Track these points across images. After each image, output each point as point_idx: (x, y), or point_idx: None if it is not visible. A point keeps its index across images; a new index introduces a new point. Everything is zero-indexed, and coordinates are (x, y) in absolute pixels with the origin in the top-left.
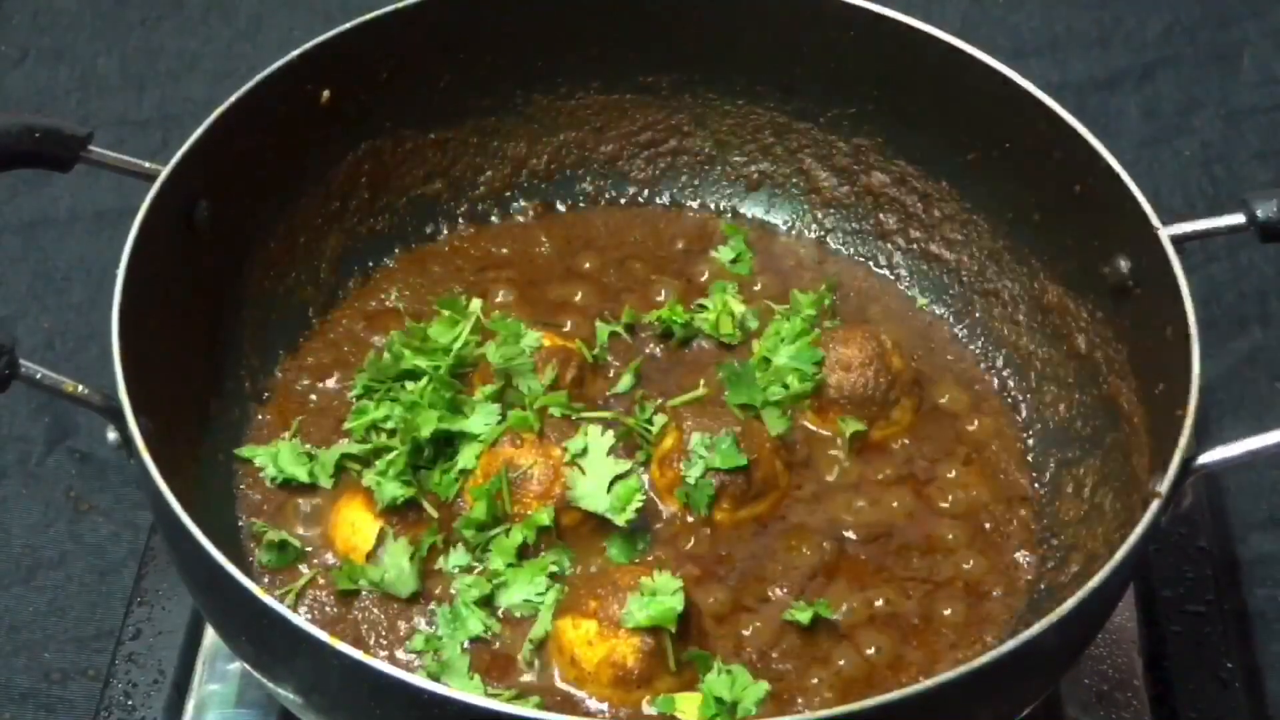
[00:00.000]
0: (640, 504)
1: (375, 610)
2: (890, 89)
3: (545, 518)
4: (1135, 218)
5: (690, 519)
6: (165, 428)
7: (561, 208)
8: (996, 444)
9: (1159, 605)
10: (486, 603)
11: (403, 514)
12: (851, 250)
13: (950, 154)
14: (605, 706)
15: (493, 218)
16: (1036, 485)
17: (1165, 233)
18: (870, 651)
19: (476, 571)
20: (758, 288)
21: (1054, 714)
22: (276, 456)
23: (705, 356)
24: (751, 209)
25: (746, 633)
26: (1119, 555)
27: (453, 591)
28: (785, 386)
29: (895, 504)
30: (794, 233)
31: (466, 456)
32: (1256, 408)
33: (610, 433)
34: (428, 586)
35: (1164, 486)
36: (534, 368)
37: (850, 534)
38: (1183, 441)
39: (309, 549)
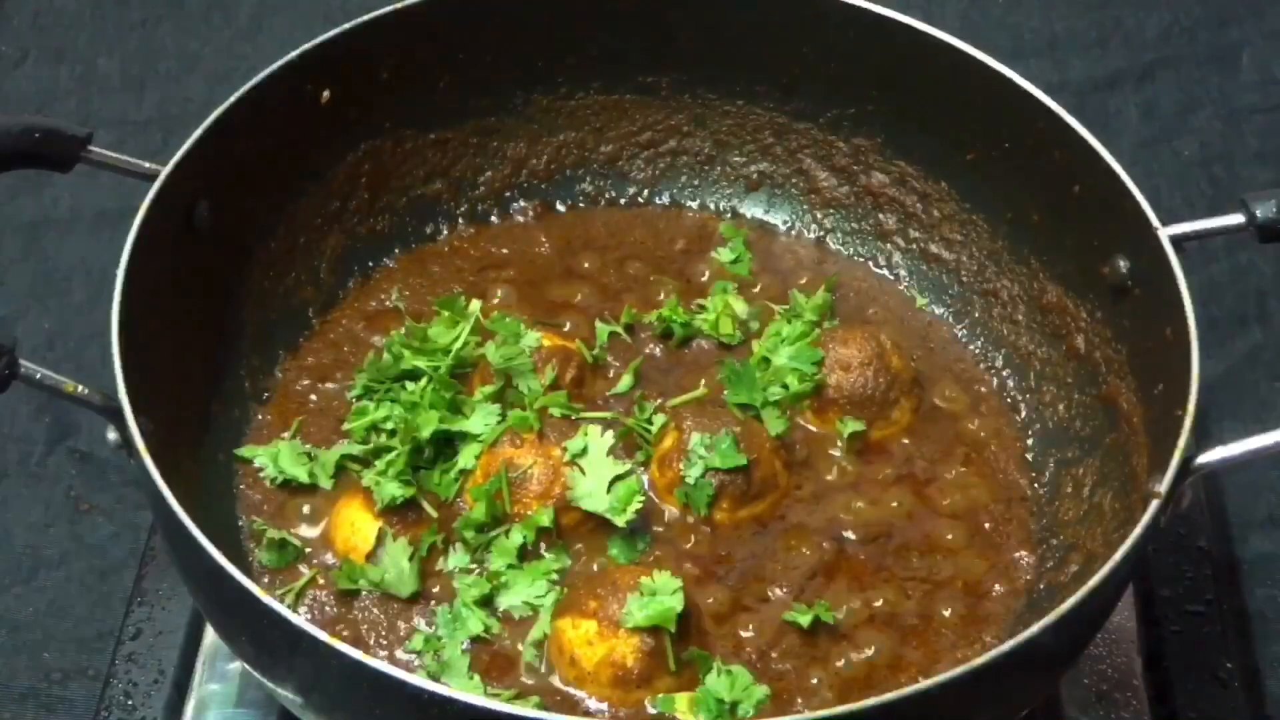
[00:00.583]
0: (640, 504)
1: (375, 610)
2: (890, 89)
3: (545, 519)
4: (1135, 218)
5: (690, 519)
6: (165, 428)
7: (561, 208)
8: (996, 444)
9: (1158, 605)
10: (486, 603)
11: (402, 514)
12: (851, 250)
13: (950, 154)
14: (605, 706)
15: (493, 218)
16: (1036, 485)
17: (1165, 233)
18: (870, 652)
19: (476, 572)
20: (757, 288)
21: (1054, 714)
22: (276, 457)
23: (705, 357)
24: (751, 209)
25: (746, 633)
26: (1118, 555)
27: (455, 588)
28: (785, 387)
29: (895, 504)
30: (794, 233)
31: (466, 457)
32: (1256, 408)
33: (610, 433)
34: (427, 587)
35: (1163, 486)
36: (534, 368)
37: (850, 534)
38: (1182, 441)
39: (309, 549)
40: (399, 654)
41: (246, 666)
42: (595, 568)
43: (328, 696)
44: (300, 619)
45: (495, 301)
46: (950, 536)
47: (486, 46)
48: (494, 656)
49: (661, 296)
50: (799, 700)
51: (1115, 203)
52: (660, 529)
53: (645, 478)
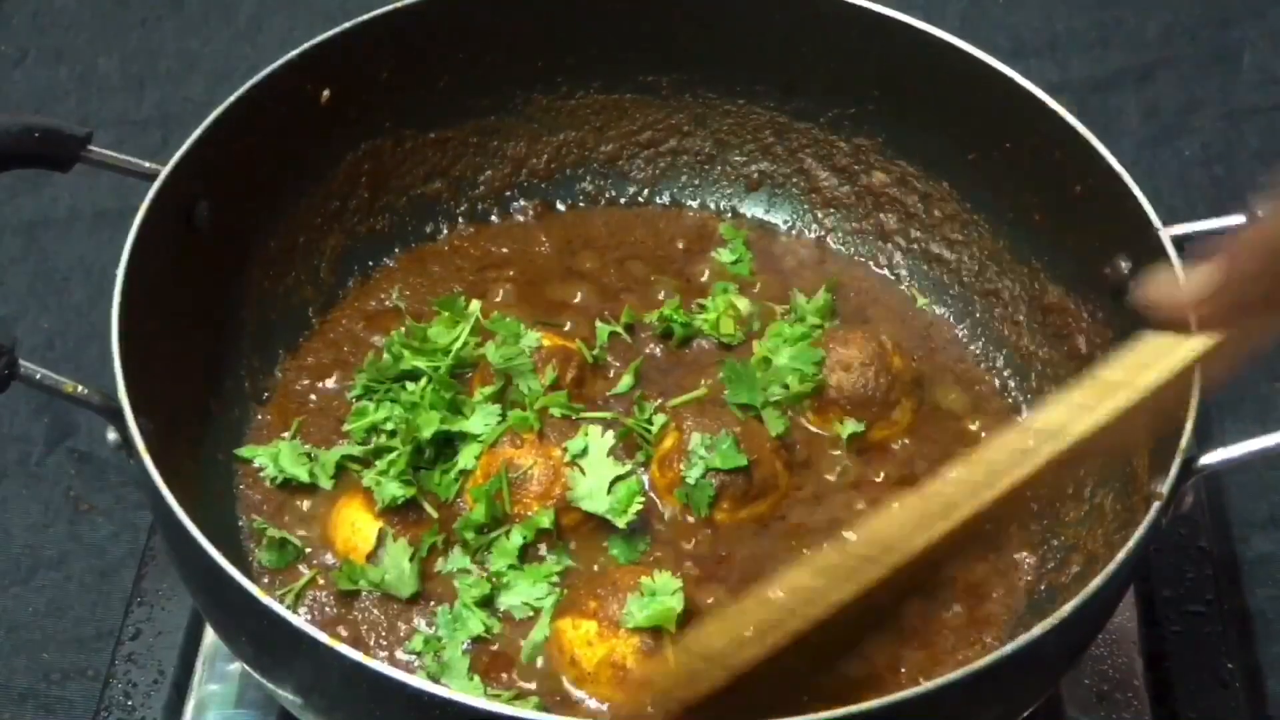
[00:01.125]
0: (640, 505)
1: (375, 611)
2: (890, 89)
3: (545, 520)
4: (1136, 218)
5: (690, 519)
6: (165, 428)
7: (561, 207)
8: None
9: (1159, 605)
10: (487, 603)
11: (403, 514)
12: (851, 250)
13: (950, 154)
14: (605, 707)
15: (493, 217)
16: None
17: (1166, 233)
18: (870, 652)
19: (476, 573)
20: (757, 289)
21: (1054, 714)
22: (277, 457)
23: (705, 356)
24: (751, 209)
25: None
26: (1119, 556)
27: (455, 588)
28: (785, 387)
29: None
30: (794, 233)
31: (466, 457)
32: (1256, 408)
33: (610, 433)
34: (428, 587)
35: (1164, 487)
36: (534, 368)
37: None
38: (1183, 442)
39: (309, 549)
40: (399, 654)
41: (246, 667)
42: (595, 568)
43: (327, 697)
44: (300, 619)
45: (496, 301)
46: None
47: (486, 46)
48: (494, 657)
49: (661, 296)
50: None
51: (1116, 203)
52: (661, 529)
53: (645, 478)
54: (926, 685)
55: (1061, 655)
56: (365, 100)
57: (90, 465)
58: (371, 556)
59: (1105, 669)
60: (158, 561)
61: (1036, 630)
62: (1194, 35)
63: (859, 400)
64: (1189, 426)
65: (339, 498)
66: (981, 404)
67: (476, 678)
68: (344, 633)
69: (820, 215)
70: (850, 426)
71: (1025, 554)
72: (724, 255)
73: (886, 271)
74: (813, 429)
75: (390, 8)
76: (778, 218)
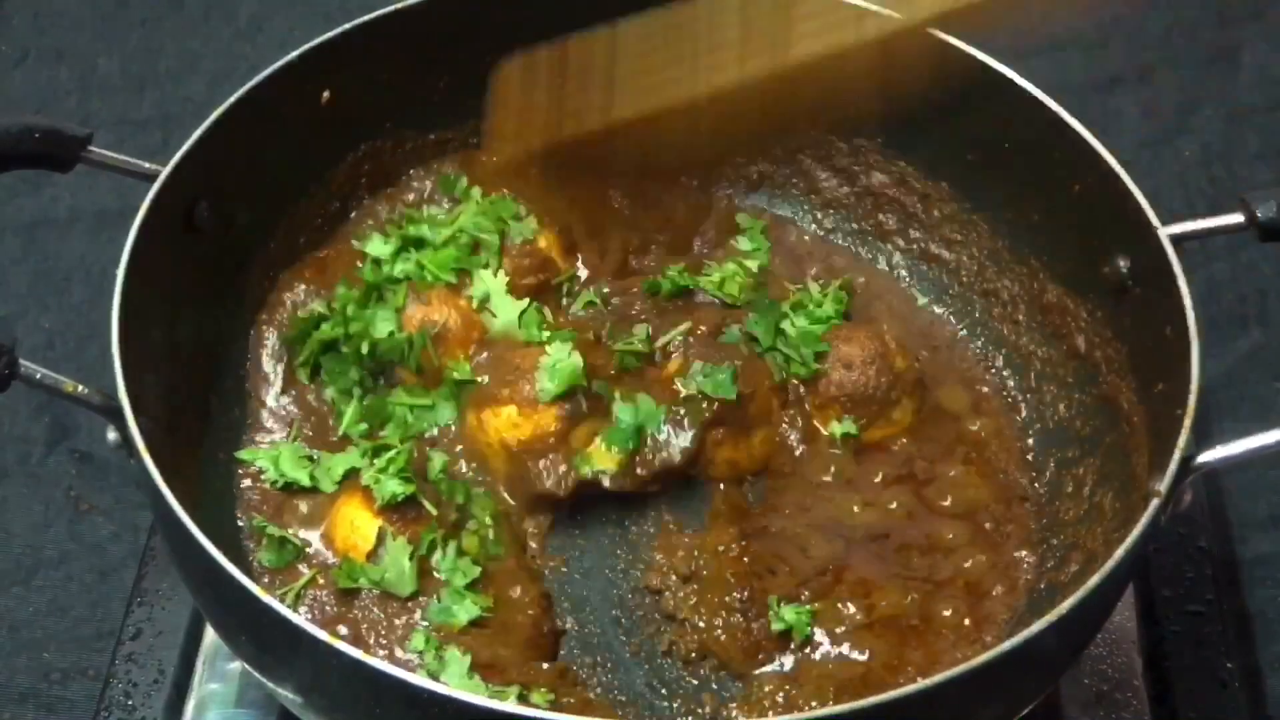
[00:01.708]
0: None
1: (375, 609)
2: (890, 90)
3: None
4: (1135, 217)
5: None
6: (165, 428)
7: None
8: (996, 444)
9: (1159, 605)
10: (474, 586)
11: (402, 511)
12: (852, 250)
13: (950, 154)
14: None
15: None
16: (1036, 485)
17: (1165, 232)
18: (868, 652)
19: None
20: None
21: (1054, 714)
22: (277, 460)
23: (694, 305)
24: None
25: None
26: (1118, 554)
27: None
28: (786, 360)
29: (895, 504)
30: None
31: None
32: (1256, 408)
33: (502, 273)
34: (427, 584)
35: (1163, 486)
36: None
37: (850, 533)
38: (1182, 441)
39: (309, 548)
40: (399, 653)
41: (246, 666)
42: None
43: (328, 696)
44: (300, 618)
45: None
46: (951, 536)
47: (486, 46)
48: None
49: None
50: (799, 700)
51: (1115, 202)
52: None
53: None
54: (926, 683)
55: (1061, 653)
56: (365, 100)
57: (90, 465)
58: (371, 555)
59: (1104, 668)
60: (158, 561)
61: (1035, 628)
62: (1194, 35)
63: (859, 398)
64: (1187, 425)
65: (338, 496)
66: (981, 403)
67: (477, 676)
68: (344, 631)
69: (820, 215)
70: (842, 427)
71: (1024, 552)
72: (741, 245)
73: (886, 271)
74: (817, 426)
75: (390, 8)
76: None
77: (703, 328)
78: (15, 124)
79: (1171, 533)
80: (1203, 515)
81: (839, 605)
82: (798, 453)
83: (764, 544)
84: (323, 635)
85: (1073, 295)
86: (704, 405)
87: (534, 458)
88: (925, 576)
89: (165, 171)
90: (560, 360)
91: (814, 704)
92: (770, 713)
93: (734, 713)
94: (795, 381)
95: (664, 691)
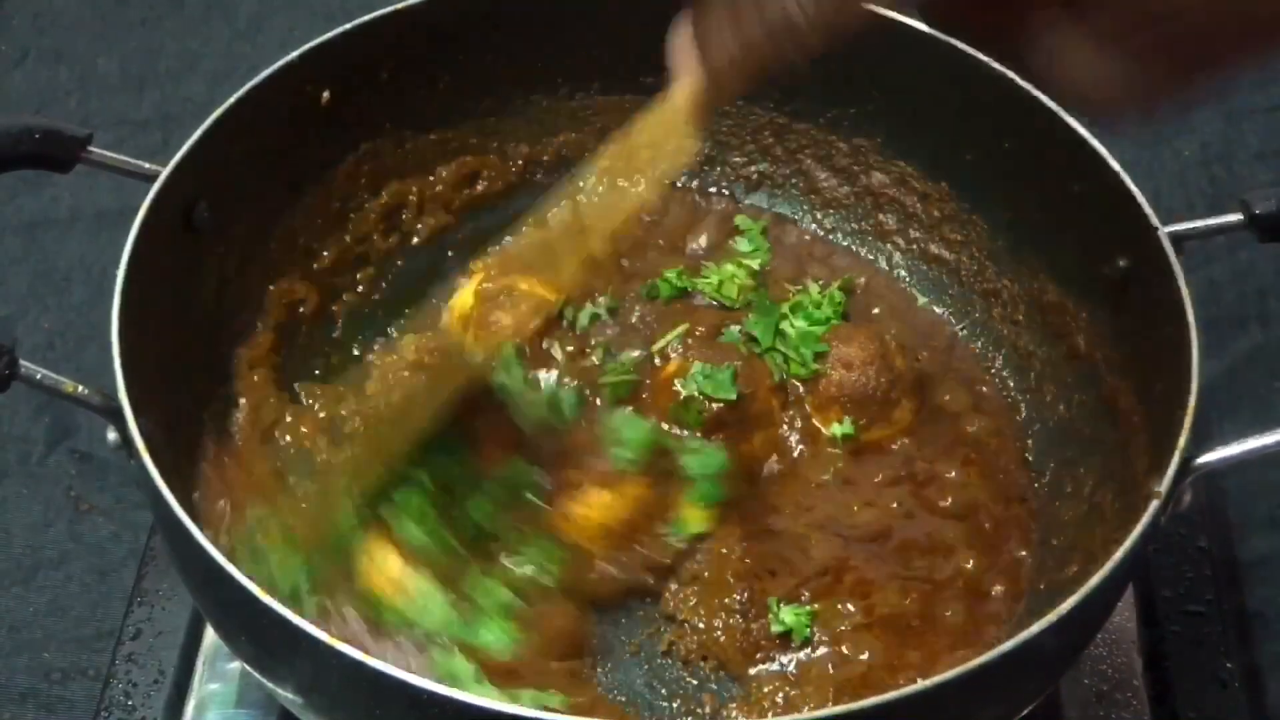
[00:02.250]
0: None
1: None
2: (890, 89)
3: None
4: (1135, 217)
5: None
6: (165, 428)
7: None
8: (996, 444)
9: (1159, 605)
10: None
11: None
12: (851, 250)
13: (950, 154)
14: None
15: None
16: (1036, 485)
17: (1164, 232)
18: (868, 652)
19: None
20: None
21: (1054, 714)
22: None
23: (692, 307)
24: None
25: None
26: (1118, 555)
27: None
28: (786, 360)
29: (895, 504)
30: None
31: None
32: (1256, 408)
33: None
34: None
35: (1163, 486)
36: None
37: (850, 534)
38: (1182, 441)
39: None
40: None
41: (246, 666)
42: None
43: (328, 696)
44: (300, 619)
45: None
46: (951, 536)
47: (486, 46)
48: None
49: (664, 273)
50: (799, 700)
51: (1115, 202)
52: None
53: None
54: (926, 684)
55: (1061, 654)
56: (365, 100)
57: (90, 465)
58: (399, 592)
59: (1104, 669)
60: (158, 561)
61: (1035, 628)
62: None
63: (859, 399)
64: (1187, 425)
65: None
66: (981, 404)
67: (486, 680)
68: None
69: (820, 215)
70: (841, 428)
71: (1024, 552)
72: (741, 245)
73: (886, 271)
74: (814, 422)
75: (390, 8)
76: None
77: (701, 328)
78: (15, 124)
79: (1171, 533)
80: (1202, 515)
81: (839, 606)
82: (797, 453)
83: (764, 545)
84: (323, 635)
85: (1073, 295)
86: (702, 404)
87: (638, 531)
88: (925, 576)
89: (165, 171)
90: (625, 425)
91: (813, 705)
92: (770, 713)
93: (734, 713)
94: (795, 382)
95: (664, 691)
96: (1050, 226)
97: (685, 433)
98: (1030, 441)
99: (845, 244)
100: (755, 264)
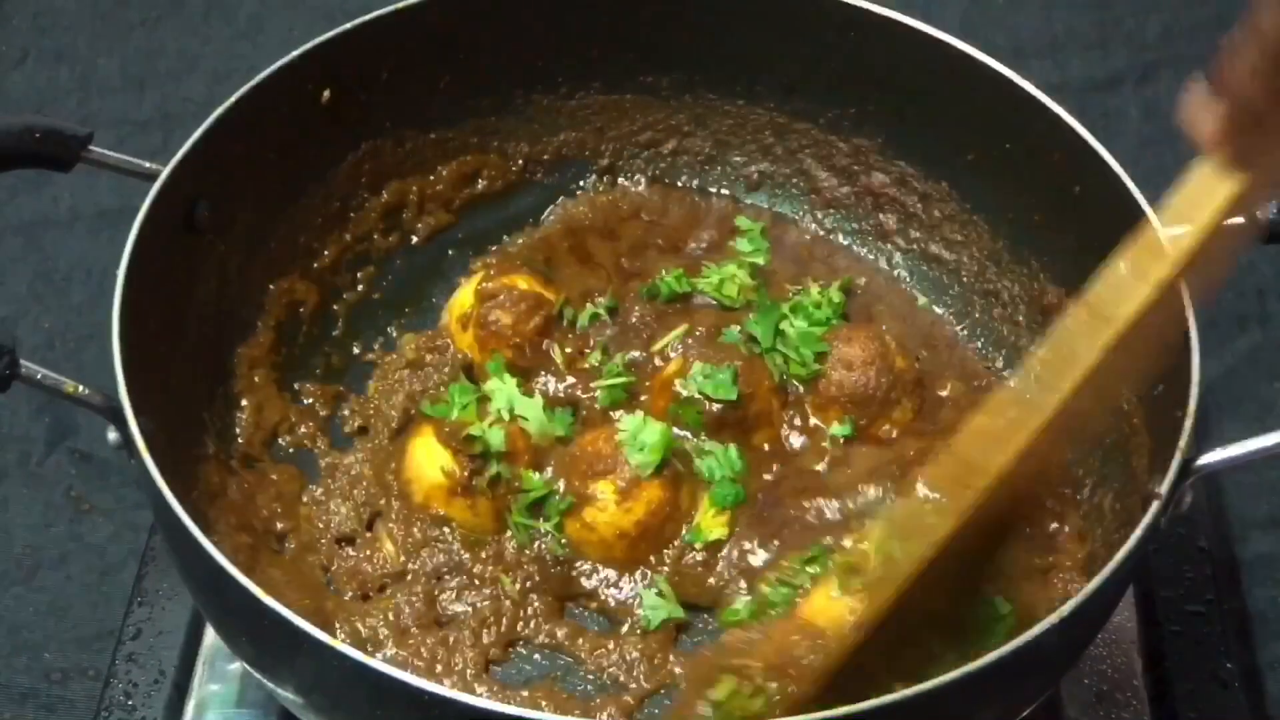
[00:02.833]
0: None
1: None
2: (890, 89)
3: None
4: (1135, 218)
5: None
6: (165, 428)
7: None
8: None
9: (1159, 605)
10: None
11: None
12: (851, 250)
13: (950, 154)
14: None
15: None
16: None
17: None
18: (869, 652)
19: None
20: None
21: (1054, 714)
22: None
23: (693, 308)
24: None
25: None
26: (1119, 556)
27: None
28: (785, 360)
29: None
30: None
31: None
32: (1256, 408)
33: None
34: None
35: (1163, 487)
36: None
37: (849, 534)
38: (1182, 442)
39: None
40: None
41: (247, 667)
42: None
43: (328, 697)
44: (300, 619)
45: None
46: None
47: (486, 46)
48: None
49: (664, 274)
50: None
51: (1116, 203)
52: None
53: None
54: (926, 685)
55: (1061, 655)
56: (365, 100)
57: (91, 465)
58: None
59: (1105, 669)
60: (158, 561)
61: (1036, 629)
62: (1194, 35)
63: (859, 399)
64: (1188, 426)
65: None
66: (981, 404)
67: (485, 679)
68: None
69: (820, 215)
70: (840, 428)
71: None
72: (741, 246)
73: (886, 271)
74: (816, 422)
75: (390, 8)
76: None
77: (701, 329)
78: (15, 124)
79: (1171, 533)
80: (1203, 516)
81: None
82: (797, 453)
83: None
84: (323, 636)
85: (1073, 296)
86: (701, 404)
87: (656, 533)
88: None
89: (165, 171)
90: (639, 430)
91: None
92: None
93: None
94: (795, 382)
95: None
96: (1051, 227)
97: (686, 434)
98: None
99: (845, 244)
100: (755, 264)
